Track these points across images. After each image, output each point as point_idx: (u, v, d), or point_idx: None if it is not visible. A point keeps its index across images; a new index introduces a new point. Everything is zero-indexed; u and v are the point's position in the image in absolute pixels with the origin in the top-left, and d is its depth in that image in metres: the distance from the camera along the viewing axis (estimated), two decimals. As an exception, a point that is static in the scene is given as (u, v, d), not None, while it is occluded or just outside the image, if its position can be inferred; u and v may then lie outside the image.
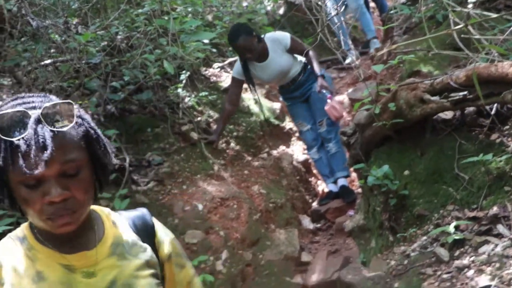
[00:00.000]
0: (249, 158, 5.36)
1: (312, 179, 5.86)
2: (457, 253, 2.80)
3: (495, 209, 2.85)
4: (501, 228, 2.77)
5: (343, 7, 5.58)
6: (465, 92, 3.21)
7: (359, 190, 4.79)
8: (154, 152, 4.67)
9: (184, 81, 5.22)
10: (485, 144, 3.25)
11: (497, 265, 2.53)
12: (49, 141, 1.13)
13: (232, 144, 5.38)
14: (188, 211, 4.21)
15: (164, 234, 1.46)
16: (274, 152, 5.64)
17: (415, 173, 3.49)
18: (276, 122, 6.07)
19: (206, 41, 5.47)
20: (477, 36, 2.99)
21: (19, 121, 1.16)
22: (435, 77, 3.57)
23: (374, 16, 7.79)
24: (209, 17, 6.72)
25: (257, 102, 5.60)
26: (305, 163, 5.79)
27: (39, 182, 1.17)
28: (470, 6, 3.79)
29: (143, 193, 4.25)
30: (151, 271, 1.35)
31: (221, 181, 4.75)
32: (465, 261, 2.68)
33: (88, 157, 1.24)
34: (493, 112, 3.35)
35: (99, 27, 4.84)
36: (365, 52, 7.10)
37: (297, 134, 5.90)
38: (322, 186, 5.66)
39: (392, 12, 5.93)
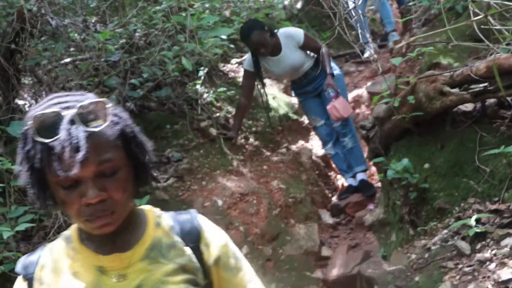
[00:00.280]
0: (268, 153, 5.36)
1: (332, 174, 5.84)
2: (478, 246, 2.77)
3: (517, 202, 2.82)
4: (523, 220, 2.74)
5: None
6: (486, 84, 3.18)
7: (379, 184, 4.76)
8: (174, 149, 4.70)
9: (202, 77, 5.25)
10: (507, 136, 3.21)
11: (520, 258, 2.50)
12: (82, 142, 1.11)
13: (251, 140, 5.38)
14: (208, 207, 4.23)
15: (212, 238, 1.38)
16: (293, 147, 5.64)
17: (435, 166, 3.46)
18: (295, 116, 6.07)
19: (224, 37, 5.49)
20: (498, 27, 2.95)
21: (53, 122, 1.14)
22: (454, 69, 3.53)
23: (392, 8, 7.74)
24: (227, 13, 6.73)
25: (265, 96, 5.51)
26: (324, 157, 5.77)
27: (76, 183, 1.15)
28: (490, -4, 3.73)
29: (163, 190, 4.28)
30: (186, 276, 1.29)
31: (241, 177, 4.76)
32: (487, 254, 2.65)
33: (126, 156, 1.22)
34: (514, 103, 3.31)
35: (117, 25, 4.88)
36: (384, 45, 7.06)
37: (315, 129, 5.87)
38: (342, 181, 5.65)
39: (410, 4, 5.88)
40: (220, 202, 4.29)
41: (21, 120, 3.72)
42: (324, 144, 5.25)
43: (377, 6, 6.88)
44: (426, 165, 3.50)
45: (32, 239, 3.25)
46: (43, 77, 4.33)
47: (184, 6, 4.77)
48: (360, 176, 5.06)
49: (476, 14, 2.89)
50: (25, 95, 4.74)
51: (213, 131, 5.01)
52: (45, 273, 1.29)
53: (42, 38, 4.42)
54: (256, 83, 5.07)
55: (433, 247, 3.07)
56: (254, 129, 5.51)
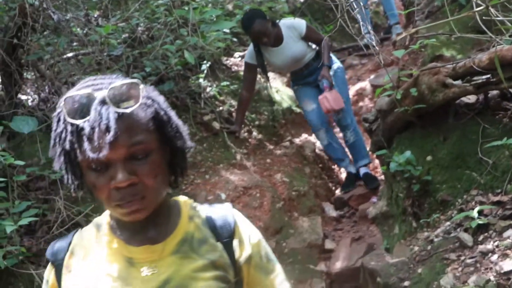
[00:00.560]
0: (272, 147, 5.37)
1: (335, 167, 5.84)
2: (481, 238, 2.77)
3: (519, 193, 2.81)
4: (526, 212, 2.73)
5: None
6: (488, 76, 3.17)
7: (382, 177, 4.76)
8: (177, 143, 4.69)
9: (205, 71, 5.24)
10: (509, 128, 3.20)
11: (522, 249, 2.50)
12: (112, 123, 1.08)
13: (254, 133, 5.38)
14: (211, 200, 4.24)
15: (246, 235, 1.33)
16: (297, 140, 5.64)
17: (438, 158, 3.45)
18: (298, 110, 6.06)
19: (226, 30, 5.47)
20: (500, 18, 2.94)
21: (84, 104, 1.11)
22: (457, 61, 3.52)
23: (395, 1, 7.71)
24: (229, 6, 6.71)
25: (268, 87, 5.47)
26: (327, 150, 5.76)
27: (106, 166, 1.12)
28: (492, -13, 3.71)
29: (166, 183, 4.28)
30: (217, 273, 1.24)
31: (244, 170, 4.77)
32: (489, 245, 2.65)
33: (159, 140, 1.18)
34: (517, 95, 3.30)
35: (119, 19, 4.88)
36: (387, 38, 7.03)
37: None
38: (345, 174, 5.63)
39: (414, -4, 5.85)
40: (223, 196, 4.30)
41: (24, 115, 3.73)
42: (316, 131, 5.08)
43: (380, -1, 6.86)
44: (429, 158, 3.50)
45: (35, 234, 3.26)
46: (45, 72, 4.34)
47: (186, 0, 4.76)
48: (363, 170, 5.05)
49: (478, 6, 2.88)
50: (28, 90, 4.75)
51: (216, 125, 5.02)
52: (74, 260, 1.26)
53: (45, 33, 4.42)
54: (258, 75, 5.06)
55: (435, 239, 3.07)
56: (257, 122, 5.51)
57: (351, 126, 4.93)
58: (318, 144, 5.82)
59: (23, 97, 4.55)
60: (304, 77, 5.05)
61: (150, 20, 5.09)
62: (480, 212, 2.84)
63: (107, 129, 1.08)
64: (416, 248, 3.17)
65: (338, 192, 5.41)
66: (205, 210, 1.34)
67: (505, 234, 2.65)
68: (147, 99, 1.16)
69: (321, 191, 5.23)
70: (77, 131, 1.11)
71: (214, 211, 1.34)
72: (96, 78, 1.19)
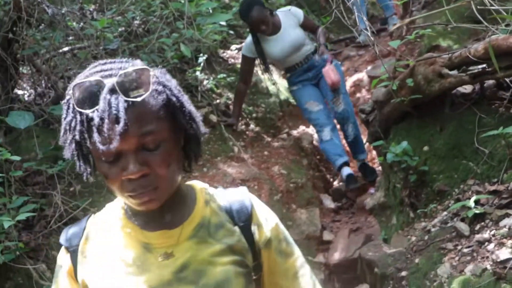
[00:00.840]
0: (269, 139, 5.37)
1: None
2: (477, 227, 2.77)
3: (516, 182, 2.82)
4: (522, 201, 2.74)
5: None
6: (484, 65, 3.16)
7: (379, 168, 4.76)
8: (174, 136, 4.69)
9: (202, 64, 5.23)
10: (506, 117, 3.20)
11: (518, 238, 2.51)
12: (122, 113, 1.04)
13: (252, 126, 5.39)
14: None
15: (264, 218, 1.31)
16: (294, 132, 5.64)
17: (435, 149, 3.46)
18: (295, 102, 6.05)
19: (223, 23, 5.46)
20: (495, 7, 2.93)
21: (93, 92, 1.07)
22: (453, 51, 3.52)
23: (392, -9, 7.68)
24: (226, -1, 6.70)
25: (271, 80, 5.43)
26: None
27: (118, 157, 1.09)
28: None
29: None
30: (234, 257, 1.23)
31: (241, 163, 4.77)
32: (486, 235, 2.65)
33: (172, 128, 1.14)
34: (513, 84, 3.29)
35: (115, 13, 4.86)
36: (383, 29, 7.02)
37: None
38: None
39: (410, -14, 5.84)
40: (221, 189, 4.29)
41: (20, 110, 3.73)
42: (321, 129, 4.83)
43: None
44: (426, 148, 3.50)
45: (33, 229, 3.26)
46: (41, 66, 4.33)
47: (182, -7, 4.75)
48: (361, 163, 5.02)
49: (474, -5, 2.87)
50: (24, 85, 4.74)
51: (214, 118, 5.02)
52: (89, 246, 1.25)
53: (40, 27, 4.41)
54: (255, 68, 5.05)
55: (432, 229, 3.08)
56: (254, 115, 5.51)
57: (352, 118, 4.87)
58: (316, 136, 5.82)
59: (19, 92, 4.54)
60: (304, 71, 4.95)
61: (146, 14, 5.08)
62: (476, 202, 2.84)
63: (117, 120, 1.05)
64: (414, 238, 3.17)
65: (336, 183, 5.41)
66: (221, 194, 1.32)
67: (502, 223, 2.66)
68: (158, 85, 1.12)
69: (319, 183, 5.24)
70: (87, 121, 1.08)
71: (230, 195, 1.32)
72: (106, 62, 1.15)
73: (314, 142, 5.63)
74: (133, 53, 4.89)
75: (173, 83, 1.17)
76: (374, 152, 5.06)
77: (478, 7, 3.08)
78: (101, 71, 1.11)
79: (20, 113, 3.49)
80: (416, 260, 2.92)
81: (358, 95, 6.20)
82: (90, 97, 1.07)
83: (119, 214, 1.26)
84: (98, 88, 1.07)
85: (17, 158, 3.19)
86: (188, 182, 1.33)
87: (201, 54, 5.24)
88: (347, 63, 6.90)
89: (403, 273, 2.93)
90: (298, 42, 4.84)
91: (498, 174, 2.98)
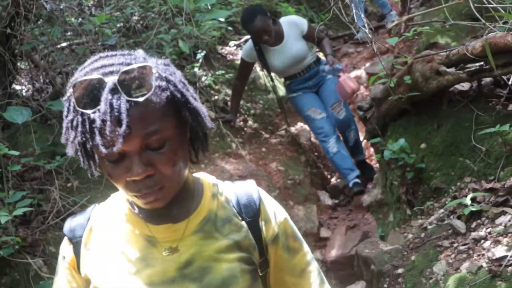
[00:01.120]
0: (267, 136, 5.37)
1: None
2: (473, 224, 2.78)
3: (512, 180, 2.82)
4: (518, 199, 2.74)
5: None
6: (481, 63, 3.17)
7: (377, 165, 4.77)
8: (172, 132, 4.69)
9: (200, 60, 5.23)
10: (503, 115, 3.21)
11: (514, 236, 2.52)
12: (124, 115, 1.00)
13: (250, 122, 5.39)
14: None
15: (272, 213, 1.27)
16: (292, 129, 5.64)
17: (432, 146, 3.46)
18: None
19: (221, 19, 5.46)
20: (494, 5, 2.93)
21: (94, 91, 1.03)
22: (450, 48, 3.52)
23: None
24: (225, -5, 6.69)
25: (272, 87, 5.42)
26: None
27: (122, 157, 1.06)
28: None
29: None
30: (241, 254, 1.20)
31: (239, 159, 4.77)
32: (482, 232, 2.66)
33: (177, 124, 1.10)
34: (510, 82, 3.30)
35: (113, 9, 4.86)
36: (381, 25, 7.03)
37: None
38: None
39: (408, -17, 5.83)
40: (218, 185, 4.30)
41: (18, 105, 3.73)
42: (326, 139, 4.73)
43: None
44: (423, 145, 3.51)
45: (30, 224, 3.27)
46: (39, 62, 4.32)
47: (180, -11, 4.74)
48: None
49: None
50: (22, 80, 4.74)
51: (212, 114, 5.02)
52: (93, 238, 1.23)
53: (38, 22, 4.40)
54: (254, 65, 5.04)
55: (429, 227, 3.09)
56: (252, 111, 5.52)
57: (353, 125, 4.83)
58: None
59: (17, 87, 4.54)
60: (304, 80, 4.90)
61: (145, 9, 5.09)
62: (473, 199, 2.85)
63: (119, 122, 1.01)
64: (410, 236, 3.18)
65: (333, 180, 5.42)
66: (228, 187, 1.29)
67: (498, 221, 2.67)
68: (161, 81, 1.07)
69: (316, 180, 5.25)
70: (89, 121, 1.04)
71: (238, 188, 1.29)
72: (107, 56, 1.10)
73: (312, 139, 5.64)
74: (131, 49, 4.89)
75: (177, 76, 1.13)
76: (371, 149, 5.07)
77: (476, 4, 3.09)
78: (101, 67, 1.07)
79: (18, 109, 3.48)
80: (412, 258, 2.93)
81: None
82: (91, 97, 1.03)
83: (123, 207, 1.24)
84: (98, 87, 1.03)
85: (15, 153, 3.19)
86: (195, 174, 1.30)
87: (200, 50, 5.24)
88: (345, 59, 6.92)
89: (400, 270, 2.93)
90: (300, 56, 4.76)
91: (495, 171, 2.99)
